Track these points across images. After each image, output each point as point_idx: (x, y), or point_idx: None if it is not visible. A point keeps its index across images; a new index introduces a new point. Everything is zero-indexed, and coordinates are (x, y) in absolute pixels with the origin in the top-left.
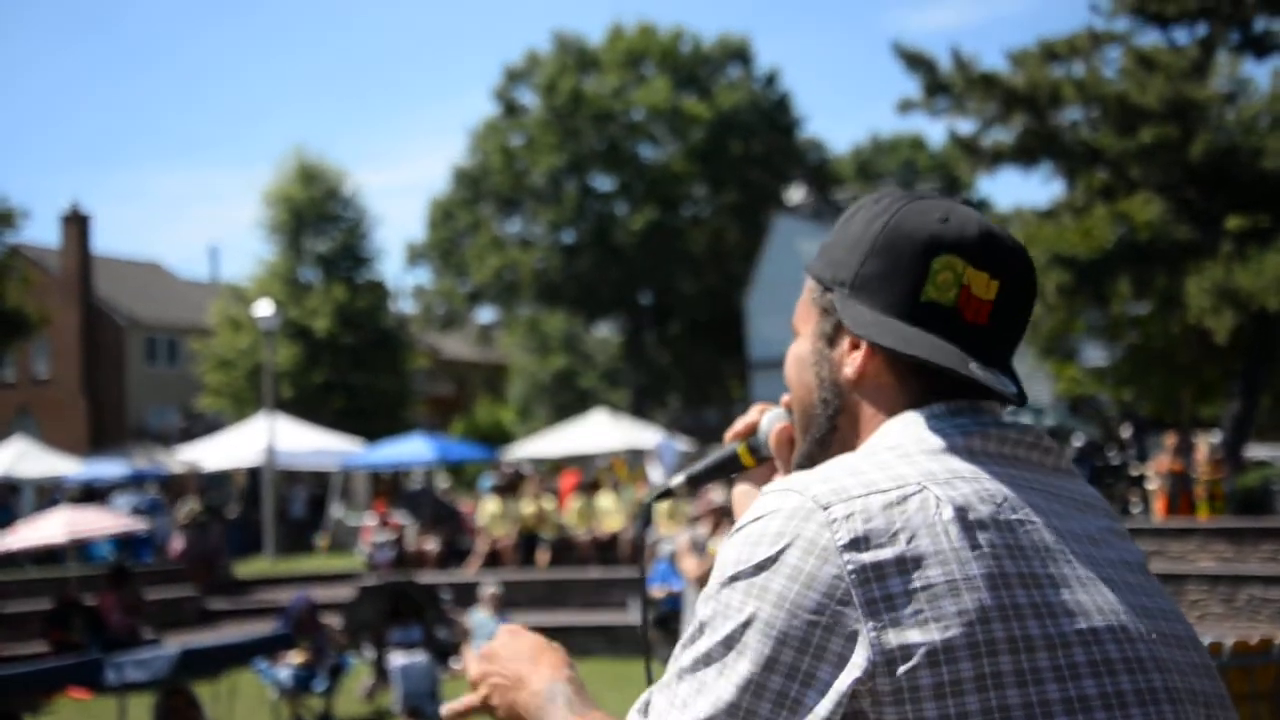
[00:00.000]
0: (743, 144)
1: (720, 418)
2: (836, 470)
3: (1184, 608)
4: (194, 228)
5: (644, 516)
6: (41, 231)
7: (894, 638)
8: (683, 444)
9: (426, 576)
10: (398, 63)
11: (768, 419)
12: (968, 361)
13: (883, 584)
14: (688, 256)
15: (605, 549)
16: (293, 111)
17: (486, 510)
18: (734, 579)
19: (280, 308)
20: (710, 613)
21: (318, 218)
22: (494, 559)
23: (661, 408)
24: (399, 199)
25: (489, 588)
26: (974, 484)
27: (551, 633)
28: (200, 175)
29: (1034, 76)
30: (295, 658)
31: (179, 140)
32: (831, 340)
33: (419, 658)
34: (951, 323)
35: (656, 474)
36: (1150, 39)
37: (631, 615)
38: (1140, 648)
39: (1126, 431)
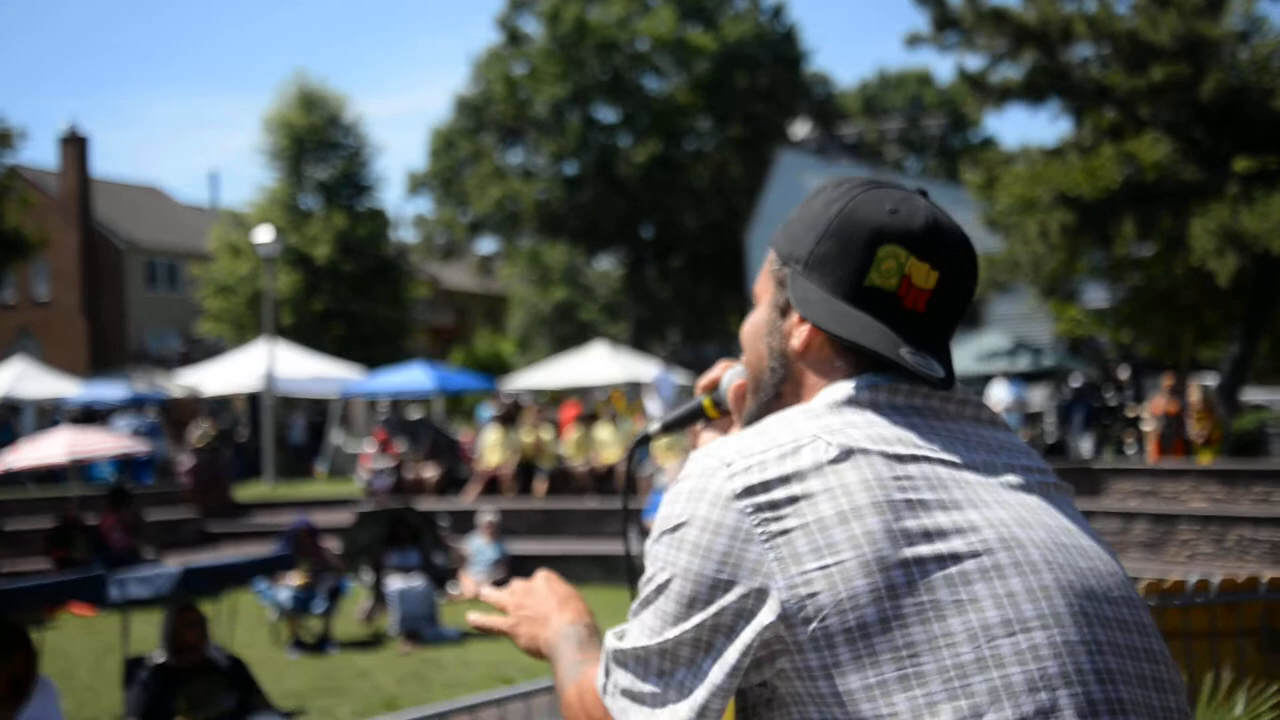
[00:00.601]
0: (748, 77)
1: (720, 352)
2: (749, 433)
3: (1174, 547)
4: (194, 153)
5: (629, 459)
6: (40, 153)
7: (794, 567)
8: (680, 378)
9: (425, 504)
10: None
11: (728, 376)
12: (899, 346)
13: (779, 520)
14: (690, 190)
15: (602, 480)
16: (295, 38)
17: (487, 439)
18: (660, 535)
19: (280, 234)
20: (648, 564)
21: (318, 144)
22: (492, 488)
23: (661, 341)
24: (400, 127)
25: (486, 515)
26: (866, 429)
27: (548, 561)
28: (200, 100)
29: (1045, 12)
30: (294, 579)
31: (179, 64)
32: (784, 311)
33: (416, 582)
34: (891, 308)
35: (654, 406)
36: None
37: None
38: (1032, 552)
39: (1124, 373)
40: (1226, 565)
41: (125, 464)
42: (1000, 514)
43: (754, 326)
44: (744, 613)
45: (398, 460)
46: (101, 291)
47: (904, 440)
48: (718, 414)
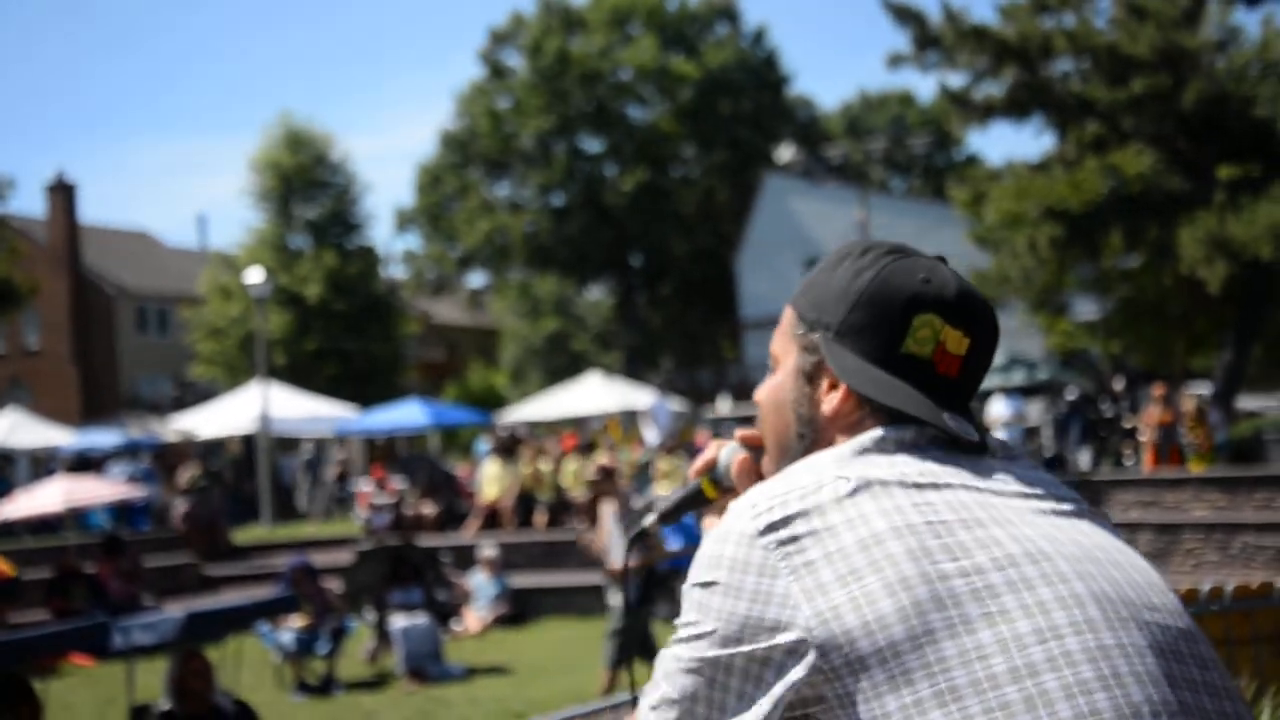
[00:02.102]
0: (731, 103)
1: (713, 378)
2: (776, 478)
3: (1179, 556)
4: (181, 197)
5: (627, 552)
6: (27, 202)
7: (820, 598)
8: (676, 404)
9: (425, 540)
10: (383, 28)
11: (725, 453)
12: (940, 413)
13: (801, 553)
14: (678, 217)
15: None
16: (279, 79)
17: (487, 472)
18: (693, 582)
19: (271, 275)
20: (684, 609)
21: (306, 184)
22: (492, 521)
23: (654, 369)
24: (387, 164)
25: (487, 550)
26: (888, 468)
27: (550, 593)
28: (187, 144)
29: (1025, 28)
30: (297, 621)
31: (164, 109)
32: (811, 377)
33: (420, 620)
34: (926, 374)
35: (651, 434)
36: None
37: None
38: (1060, 564)
39: (1119, 384)
40: (1234, 573)
41: (121, 511)
42: (1027, 531)
43: (777, 392)
44: (779, 648)
45: (396, 497)
46: (92, 339)
47: (925, 473)
48: (717, 494)
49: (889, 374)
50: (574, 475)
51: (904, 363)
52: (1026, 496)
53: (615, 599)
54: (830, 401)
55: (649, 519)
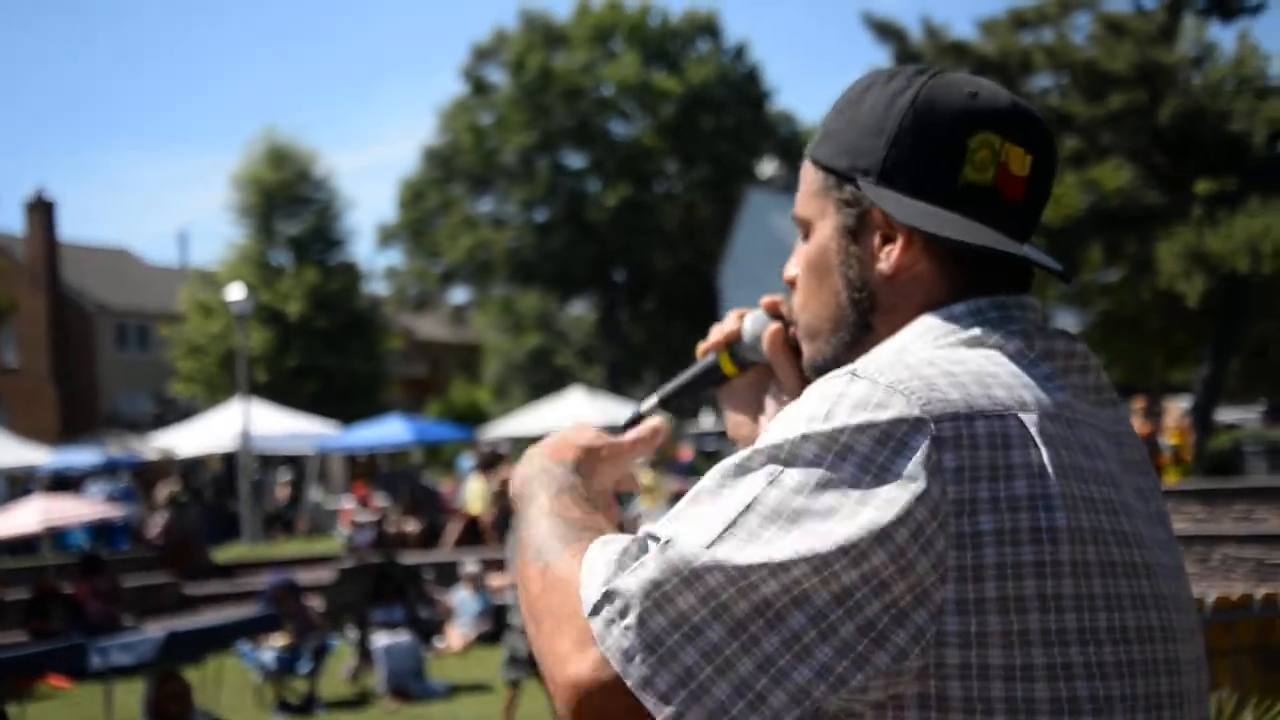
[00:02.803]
0: (713, 118)
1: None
2: (929, 370)
3: None
4: (162, 213)
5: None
6: (5, 219)
7: (971, 589)
8: (660, 419)
9: (407, 557)
10: (366, 44)
11: (751, 323)
12: (1022, 246)
13: (974, 520)
14: (660, 232)
15: None
16: (262, 96)
17: (472, 489)
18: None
19: (252, 291)
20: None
21: (288, 200)
22: (475, 537)
23: (637, 384)
24: (369, 180)
25: (468, 567)
26: (1057, 420)
27: None
28: (168, 161)
29: (1004, 44)
30: (278, 640)
31: (145, 126)
32: (856, 234)
33: (402, 637)
34: (993, 204)
35: None
36: (1118, 4)
37: None
38: (1163, 584)
39: None
40: (1213, 584)
41: (100, 530)
42: (1149, 531)
43: (819, 258)
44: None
45: (379, 515)
46: (71, 356)
47: (1062, 405)
48: (737, 370)
49: (952, 210)
50: None
51: (967, 194)
52: (1137, 472)
53: (518, 618)
54: (888, 257)
55: (649, 401)
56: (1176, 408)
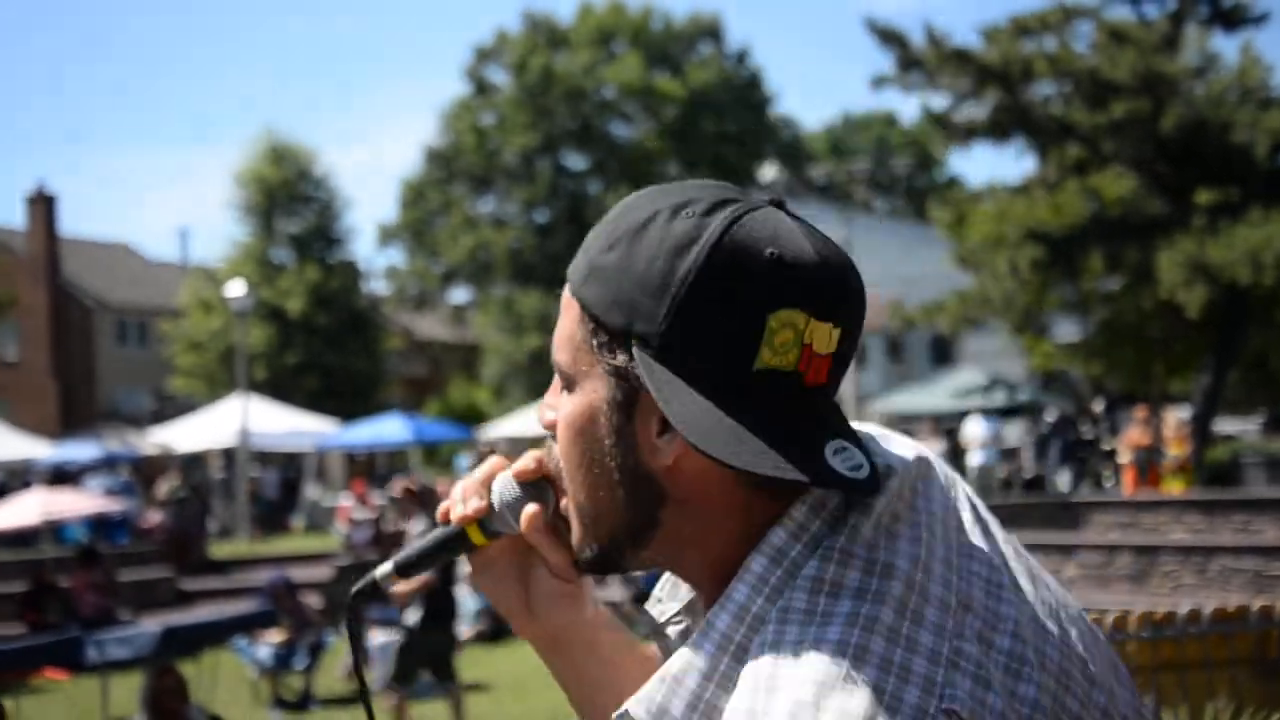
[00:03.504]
0: (715, 122)
1: None
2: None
3: (1157, 578)
4: (163, 210)
5: (351, 616)
6: (6, 213)
7: None
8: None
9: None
10: (368, 42)
11: (503, 488)
12: (818, 458)
13: None
14: None
15: None
16: (263, 92)
17: None
18: None
19: (252, 288)
20: None
21: (289, 198)
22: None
23: None
24: (370, 179)
25: (467, 566)
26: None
27: None
28: (169, 156)
29: (1006, 51)
30: (275, 636)
31: (147, 121)
32: (628, 412)
33: (399, 636)
34: (790, 389)
35: None
36: (1121, 13)
37: (610, 591)
38: (1080, 680)
39: (1099, 406)
40: (1211, 595)
41: (98, 524)
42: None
43: (584, 425)
44: None
45: (377, 513)
46: (71, 351)
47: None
48: (488, 541)
49: (740, 403)
50: None
51: (761, 380)
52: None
53: (412, 617)
54: (667, 449)
55: (383, 569)
56: (1174, 417)
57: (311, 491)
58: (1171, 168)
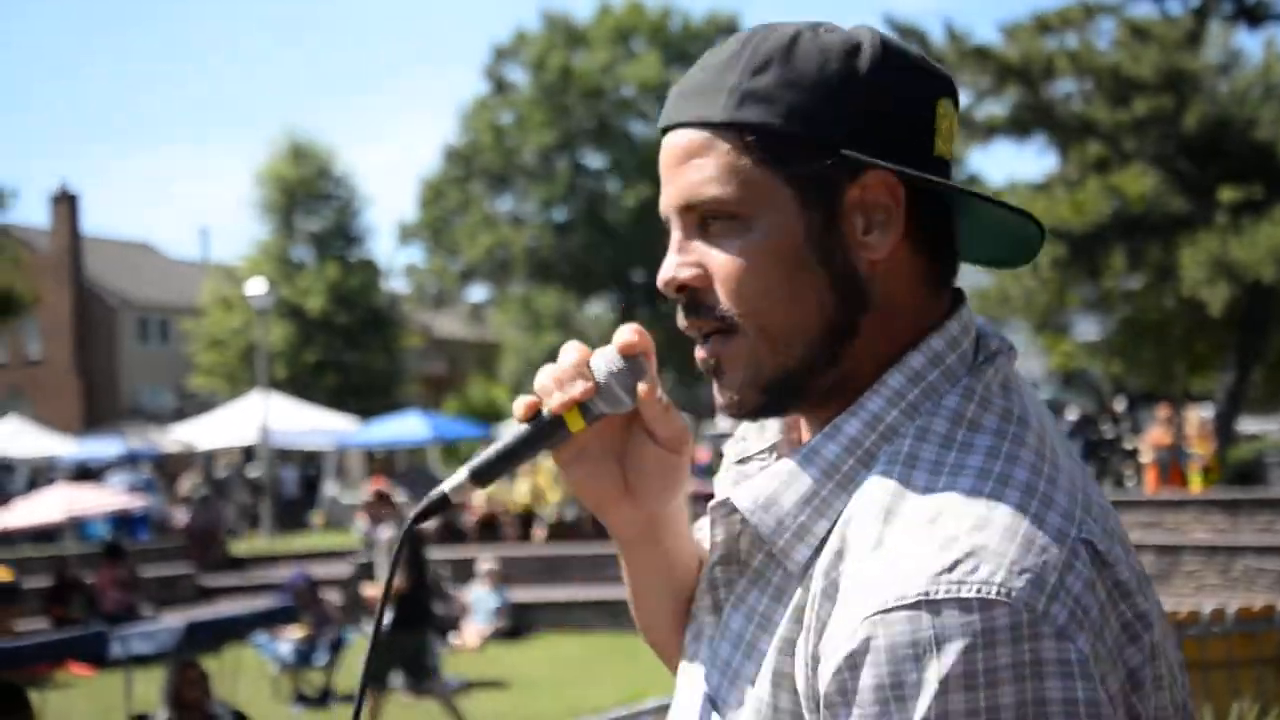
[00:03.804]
0: None
1: (712, 394)
2: (993, 539)
3: (1180, 578)
4: (184, 208)
5: (405, 537)
6: (30, 212)
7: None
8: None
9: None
10: (387, 42)
11: (606, 364)
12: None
13: (1129, 665)
14: None
15: (602, 524)
16: (283, 92)
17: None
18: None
19: (272, 286)
20: None
21: (309, 196)
22: (492, 534)
23: None
24: (390, 178)
25: (486, 564)
26: (1090, 508)
27: (550, 608)
28: (190, 156)
29: (1027, 49)
30: (296, 632)
31: (168, 121)
32: (828, 217)
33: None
34: (949, 179)
35: None
36: (1143, 10)
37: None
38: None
39: (1120, 405)
40: (1235, 595)
41: (121, 521)
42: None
43: (778, 249)
44: None
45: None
46: (93, 349)
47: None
48: (585, 425)
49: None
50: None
51: (936, 169)
52: None
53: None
54: (877, 245)
55: (454, 479)
56: (1196, 416)
57: (331, 489)
58: (1194, 165)
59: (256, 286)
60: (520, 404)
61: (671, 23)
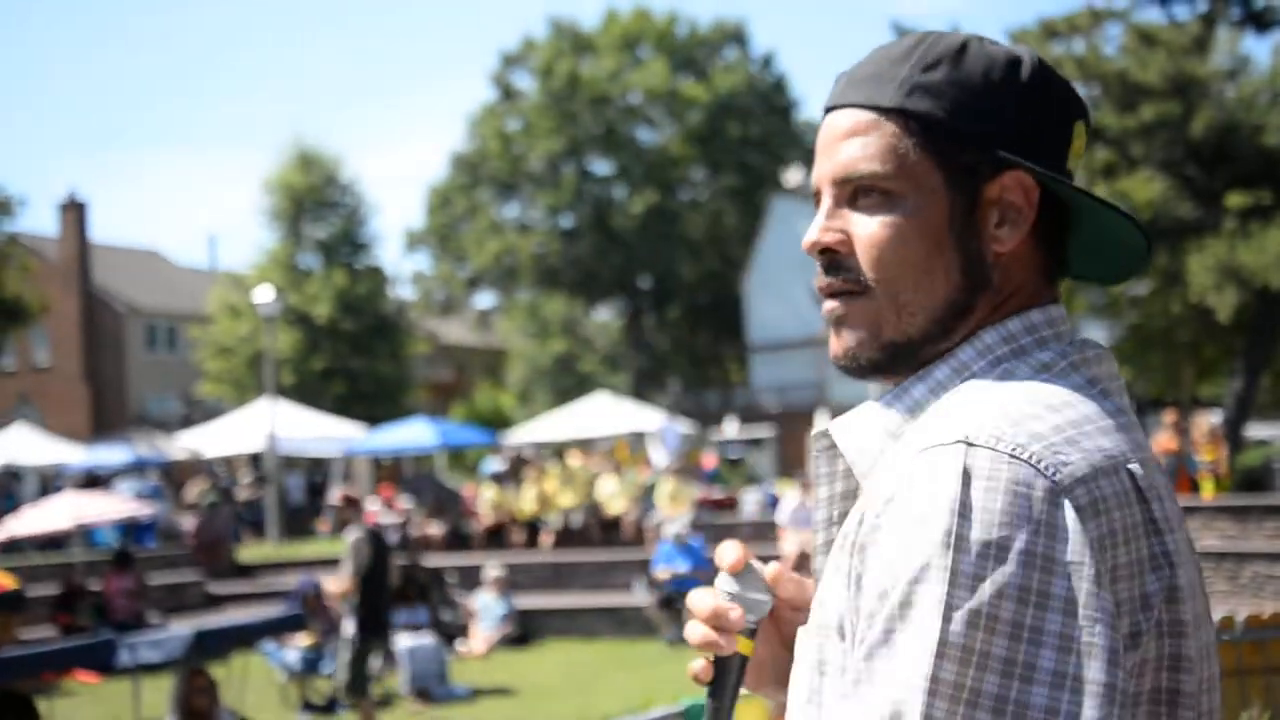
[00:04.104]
0: (740, 126)
1: (720, 400)
2: (1037, 424)
3: None
4: (192, 216)
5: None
6: (39, 220)
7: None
8: (684, 426)
9: (431, 560)
10: (394, 49)
11: (730, 586)
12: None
13: (1114, 588)
14: (686, 240)
15: (609, 531)
16: (290, 100)
17: (486, 498)
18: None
19: (280, 294)
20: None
21: (317, 204)
22: (499, 541)
23: (662, 391)
24: (397, 185)
25: (493, 571)
26: (1146, 463)
27: (557, 614)
28: (198, 163)
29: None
30: (303, 640)
31: (176, 128)
32: (970, 204)
33: (426, 640)
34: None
35: (658, 456)
36: (1151, 15)
37: (635, 596)
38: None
39: None
40: (1244, 602)
41: (128, 528)
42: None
43: (918, 221)
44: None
45: (403, 517)
46: (101, 356)
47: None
48: (752, 642)
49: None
50: (614, 492)
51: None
52: None
53: (348, 628)
54: (1005, 239)
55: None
56: (1205, 422)
57: (338, 496)
58: (1202, 171)
59: (264, 294)
60: (696, 669)
61: (678, 30)
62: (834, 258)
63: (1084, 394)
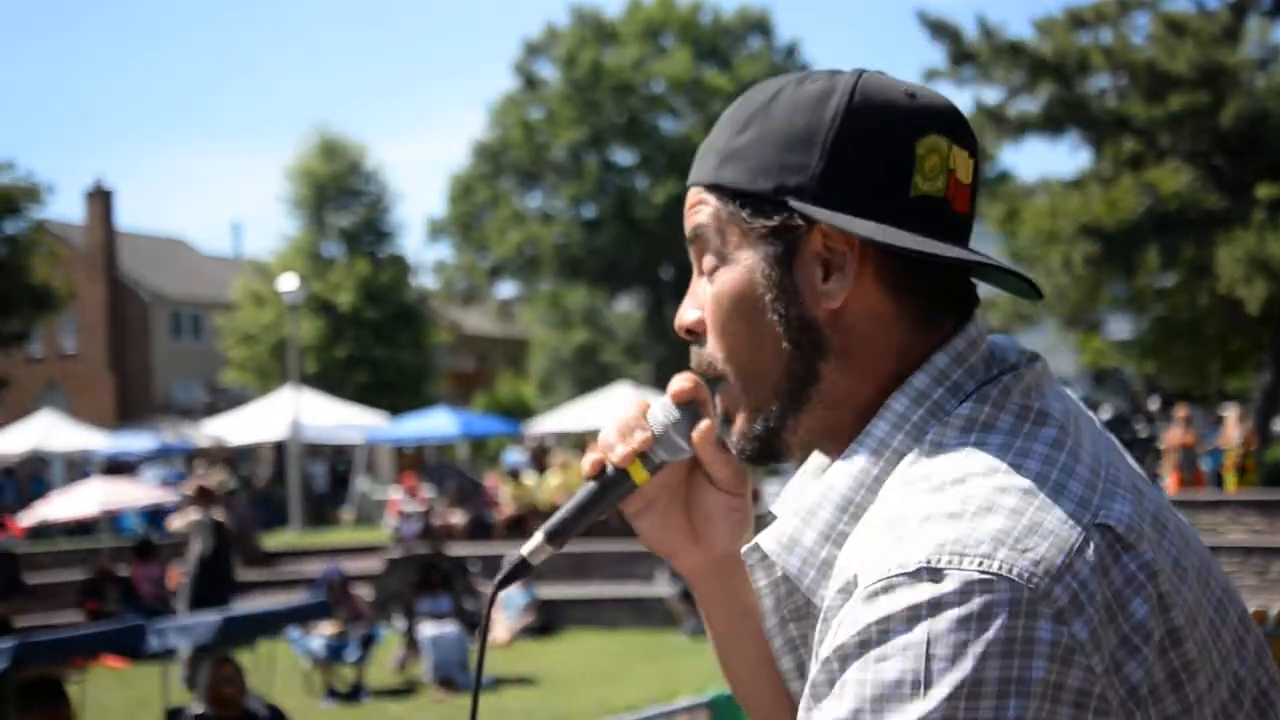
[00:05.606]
0: None
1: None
2: (992, 522)
3: None
4: (217, 203)
5: (493, 596)
6: (65, 207)
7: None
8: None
9: (453, 549)
10: (418, 38)
11: (663, 414)
12: (1015, 267)
13: (1126, 674)
14: None
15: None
16: (314, 88)
17: (507, 490)
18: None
19: (304, 282)
20: None
21: (340, 193)
22: (521, 531)
23: None
24: (420, 174)
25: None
26: (1097, 474)
27: (579, 605)
28: (223, 152)
29: (1061, 44)
30: (327, 628)
31: (202, 117)
32: (787, 266)
33: (449, 628)
34: (944, 216)
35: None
36: (1180, 4)
37: (657, 587)
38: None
39: (1154, 404)
40: (1273, 597)
41: (154, 514)
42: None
43: (740, 297)
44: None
45: (426, 506)
46: (127, 343)
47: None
48: (649, 477)
49: (901, 229)
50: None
51: (918, 208)
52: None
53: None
54: (836, 290)
55: (531, 543)
56: (1234, 414)
57: (361, 484)
58: (1230, 161)
59: (288, 282)
60: (587, 461)
61: (702, 18)
62: (698, 339)
63: (1024, 441)
